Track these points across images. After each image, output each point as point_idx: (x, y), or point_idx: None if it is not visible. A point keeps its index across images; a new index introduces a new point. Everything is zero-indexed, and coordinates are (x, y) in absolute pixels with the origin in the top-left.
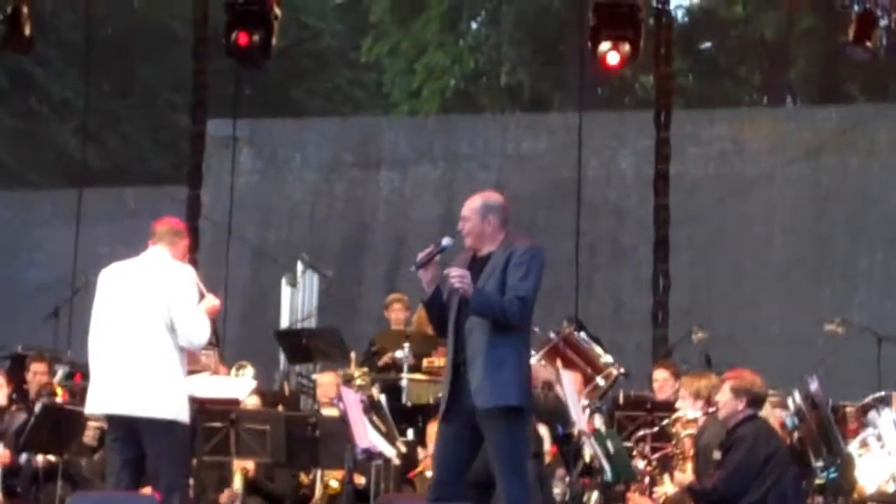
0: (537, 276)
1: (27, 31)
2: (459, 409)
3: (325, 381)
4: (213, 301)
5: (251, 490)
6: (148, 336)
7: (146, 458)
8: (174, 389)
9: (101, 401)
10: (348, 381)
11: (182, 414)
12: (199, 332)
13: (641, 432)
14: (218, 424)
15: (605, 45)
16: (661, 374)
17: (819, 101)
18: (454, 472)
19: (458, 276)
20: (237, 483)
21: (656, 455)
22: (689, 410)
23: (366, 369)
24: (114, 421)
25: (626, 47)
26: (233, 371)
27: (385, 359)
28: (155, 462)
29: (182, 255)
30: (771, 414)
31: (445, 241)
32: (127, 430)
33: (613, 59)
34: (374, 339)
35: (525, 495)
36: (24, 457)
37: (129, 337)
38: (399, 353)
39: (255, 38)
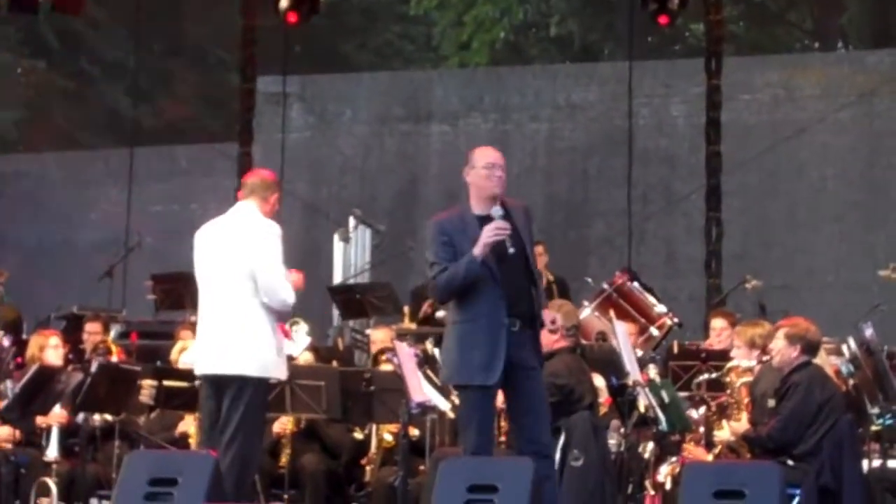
0: None
1: None
2: (508, 364)
3: (379, 336)
4: (294, 277)
5: (309, 435)
6: (236, 295)
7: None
8: (257, 346)
9: (198, 362)
10: (402, 335)
11: (268, 370)
12: (278, 291)
13: (701, 377)
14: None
15: (653, 6)
16: (718, 323)
17: (870, 45)
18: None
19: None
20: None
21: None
22: (743, 359)
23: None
24: (204, 381)
25: (675, 2)
26: (286, 326)
27: (423, 312)
28: (224, 419)
29: (272, 209)
30: (826, 361)
31: (498, 211)
32: (215, 389)
33: (664, 19)
34: (425, 291)
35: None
36: (81, 416)
37: (220, 298)
38: (441, 313)
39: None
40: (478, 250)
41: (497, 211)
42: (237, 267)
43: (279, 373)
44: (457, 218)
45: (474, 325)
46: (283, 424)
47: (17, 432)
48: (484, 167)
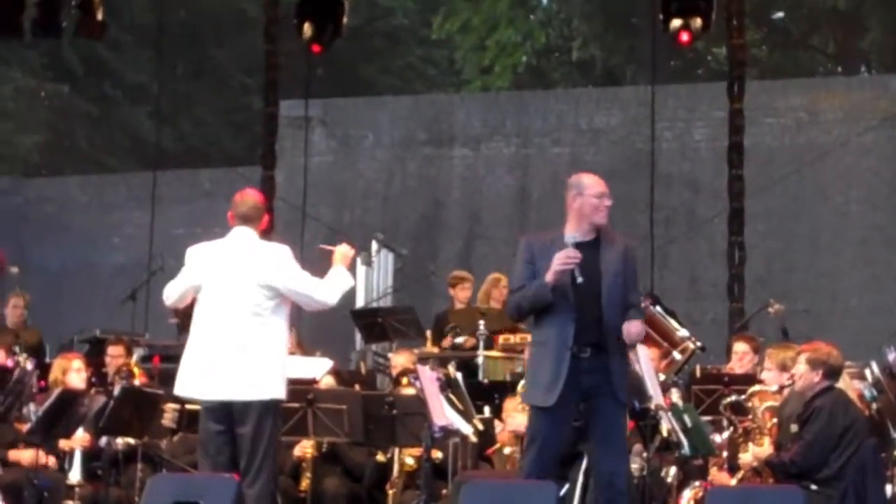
0: None
1: (100, 15)
2: (572, 395)
3: (400, 361)
4: (342, 249)
5: (331, 459)
6: (246, 320)
7: (239, 441)
8: (277, 368)
9: (201, 387)
10: (424, 359)
11: (283, 391)
12: (322, 293)
13: (727, 399)
14: (295, 405)
15: (676, 23)
16: (741, 347)
17: (894, 69)
18: (557, 457)
19: (634, 334)
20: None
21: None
22: (774, 382)
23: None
24: (211, 405)
25: (698, 23)
26: None
27: (445, 344)
28: (251, 446)
29: (263, 231)
30: (849, 385)
31: (571, 238)
32: (224, 414)
33: (685, 36)
34: (449, 317)
35: (627, 471)
36: (104, 440)
37: (229, 322)
38: (459, 339)
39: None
40: (549, 276)
41: (570, 238)
42: (251, 294)
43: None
44: (547, 240)
45: (543, 347)
46: (304, 448)
47: (50, 457)
48: (595, 196)
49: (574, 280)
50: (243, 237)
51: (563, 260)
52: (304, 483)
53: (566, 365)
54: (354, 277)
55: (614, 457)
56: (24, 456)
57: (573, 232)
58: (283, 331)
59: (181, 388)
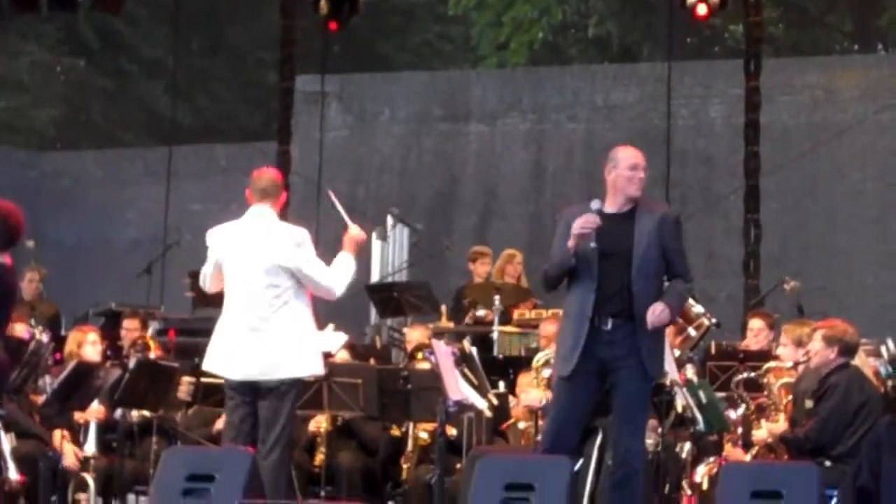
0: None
1: None
2: (590, 365)
3: (415, 335)
4: (353, 232)
5: (346, 433)
6: (273, 300)
7: (260, 412)
8: (304, 347)
9: (229, 366)
10: (439, 334)
11: (315, 366)
12: (332, 282)
13: (739, 377)
14: (310, 379)
15: None
16: (756, 324)
17: None
18: (575, 427)
19: (656, 320)
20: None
21: (753, 402)
22: (790, 358)
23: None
24: (242, 386)
25: None
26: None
27: (468, 317)
28: (270, 418)
29: (281, 206)
30: (865, 362)
31: (595, 204)
32: (250, 389)
33: (702, 9)
34: (465, 292)
35: (643, 454)
36: (119, 412)
37: (249, 301)
38: (480, 312)
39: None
40: (570, 242)
41: (595, 205)
42: (269, 271)
43: (318, 368)
44: (579, 210)
45: (567, 318)
46: (318, 423)
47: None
48: (629, 168)
49: (603, 249)
50: (261, 216)
51: (581, 224)
52: (319, 458)
53: (584, 335)
54: (370, 252)
55: (630, 433)
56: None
57: (609, 204)
58: (305, 309)
59: (209, 363)
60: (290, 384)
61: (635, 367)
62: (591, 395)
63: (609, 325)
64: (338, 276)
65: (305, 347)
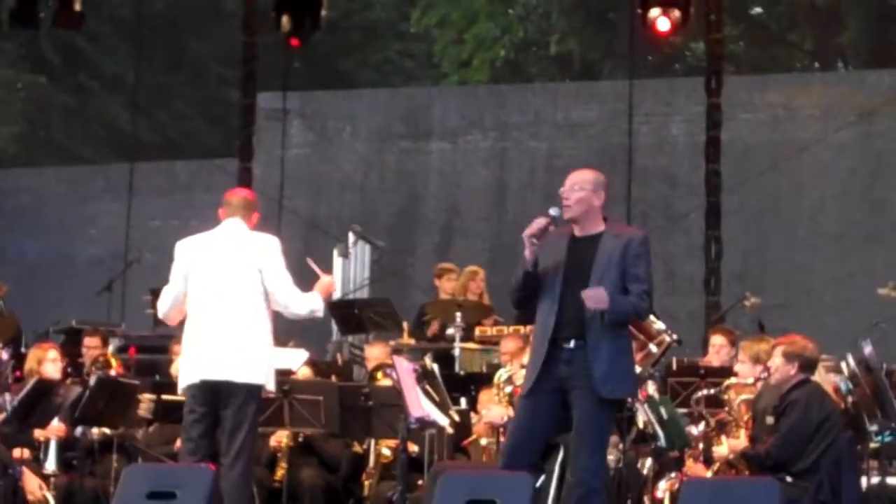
0: (651, 266)
1: (77, 6)
2: (551, 383)
3: (375, 353)
4: (326, 280)
5: (306, 451)
6: (243, 303)
7: (222, 422)
8: (265, 355)
9: (196, 371)
10: (399, 351)
11: (271, 381)
12: (293, 298)
13: (700, 393)
14: (272, 395)
15: (654, 11)
16: (718, 340)
17: (870, 65)
18: (533, 444)
19: (593, 297)
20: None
21: (713, 418)
22: (748, 375)
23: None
24: (199, 387)
25: (676, 13)
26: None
27: (431, 330)
28: (232, 427)
29: (254, 226)
30: (825, 379)
31: (553, 211)
32: (211, 395)
33: (664, 25)
34: (426, 309)
35: (604, 470)
36: (79, 430)
37: (226, 306)
38: (450, 330)
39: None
40: (526, 251)
41: (553, 211)
42: (243, 279)
43: (273, 385)
44: (556, 233)
45: (534, 338)
46: (279, 438)
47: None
48: (563, 188)
49: (568, 271)
50: (233, 227)
51: (530, 228)
52: (280, 473)
53: (543, 356)
54: (331, 269)
55: (587, 452)
56: None
57: (577, 229)
58: (269, 323)
59: (184, 382)
60: (251, 391)
61: (588, 388)
62: (552, 413)
63: (571, 346)
64: (305, 302)
65: (267, 359)
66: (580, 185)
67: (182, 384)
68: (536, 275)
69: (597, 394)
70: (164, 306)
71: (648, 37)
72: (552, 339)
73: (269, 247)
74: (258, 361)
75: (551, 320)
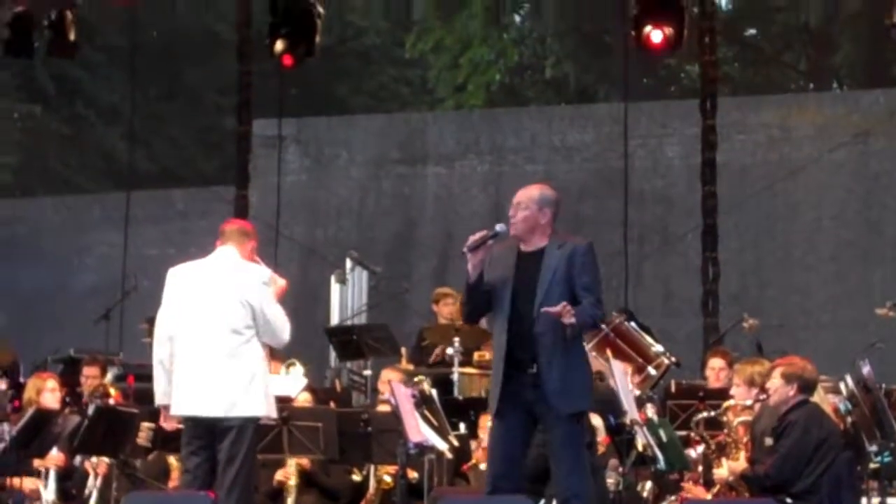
0: (599, 273)
1: (72, 36)
2: (516, 403)
3: (389, 377)
4: (280, 282)
5: (306, 484)
6: (231, 336)
7: (218, 454)
8: (261, 386)
9: (191, 403)
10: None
11: (269, 409)
12: (283, 328)
13: (699, 416)
14: (271, 422)
15: (648, 28)
16: (717, 363)
17: (865, 85)
18: (512, 465)
19: (568, 311)
20: (291, 468)
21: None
22: (742, 398)
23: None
24: (197, 422)
25: (669, 30)
26: (282, 369)
27: (435, 355)
28: (227, 460)
29: (249, 256)
30: (824, 399)
31: (499, 227)
32: (209, 429)
33: (657, 37)
34: (424, 334)
35: (589, 487)
36: (78, 459)
37: (213, 338)
38: (449, 350)
39: (299, 49)
40: (469, 265)
41: (499, 227)
42: (234, 309)
43: (273, 412)
44: (504, 247)
45: (494, 356)
46: (286, 473)
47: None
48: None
49: (517, 292)
50: (225, 256)
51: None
52: None
53: (501, 376)
54: (329, 295)
55: (566, 471)
56: None
57: (524, 244)
58: (262, 351)
59: (175, 408)
60: (245, 424)
61: (550, 408)
62: (523, 432)
63: (533, 370)
64: (287, 328)
65: (262, 388)
66: (525, 204)
67: (174, 411)
68: (483, 289)
69: (560, 412)
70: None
71: (642, 52)
72: (507, 358)
73: (259, 280)
74: (250, 394)
75: (503, 338)
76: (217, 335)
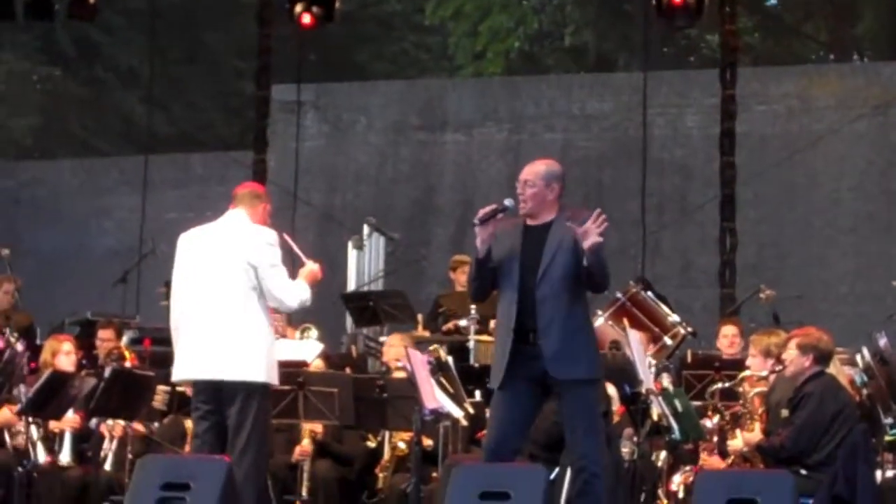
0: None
1: None
2: (522, 373)
3: (393, 343)
4: (312, 267)
5: (320, 453)
6: (233, 299)
7: (228, 420)
8: (262, 352)
9: (189, 367)
10: (417, 343)
11: (270, 376)
12: (286, 293)
13: (714, 386)
14: (286, 387)
15: None
16: (729, 330)
17: (886, 57)
18: (515, 436)
19: (584, 232)
20: (306, 442)
21: (728, 411)
22: (758, 368)
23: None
24: (200, 386)
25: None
26: (297, 333)
27: (448, 325)
28: (236, 425)
29: (261, 219)
30: (840, 371)
31: (508, 201)
32: (213, 394)
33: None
34: (441, 301)
35: (602, 452)
36: (94, 421)
37: (215, 301)
38: (463, 322)
39: (317, 10)
40: (478, 240)
41: (508, 201)
42: (238, 273)
43: (274, 379)
44: (510, 224)
45: (497, 331)
46: (303, 449)
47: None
48: (517, 184)
49: (527, 265)
50: (234, 218)
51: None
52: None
53: (509, 347)
54: (346, 261)
55: (582, 439)
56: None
57: (531, 218)
58: (266, 312)
59: (176, 373)
60: (251, 389)
61: (566, 380)
62: (530, 401)
63: (532, 337)
64: (294, 290)
65: (262, 353)
66: (532, 182)
67: (175, 377)
68: (491, 265)
69: (558, 377)
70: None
71: (663, 17)
72: (517, 330)
73: (263, 241)
74: (253, 359)
75: (513, 310)
76: (218, 299)
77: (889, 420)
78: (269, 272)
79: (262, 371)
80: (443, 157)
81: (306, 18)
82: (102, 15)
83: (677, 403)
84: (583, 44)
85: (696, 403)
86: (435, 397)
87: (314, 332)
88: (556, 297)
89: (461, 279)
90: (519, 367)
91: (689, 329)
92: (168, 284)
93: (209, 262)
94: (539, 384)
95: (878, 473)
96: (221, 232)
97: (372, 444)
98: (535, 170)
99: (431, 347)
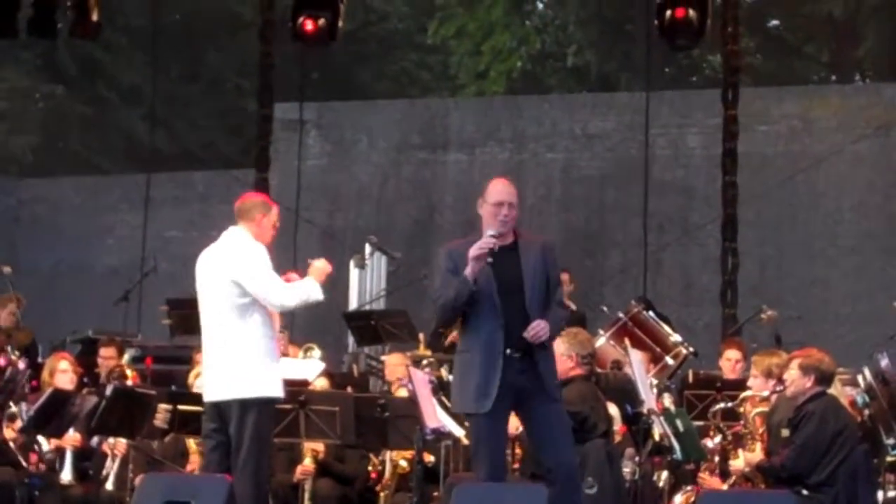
0: None
1: (94, 17)
2: (507, 393)
3: (393, 362)
4: (319, 264)
5: (321, 472)
6: (226, 319)
7: (231, 437)
8: (254, 367)
9: (204, 390)
10: (417, 362)
11: (268, 389)
12: (271, 292)
13: (716, 406)
14: (287, 406)
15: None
16: (732, 354)
17: (888, 78)
18: (504, 457)
19: (537, 333)
20: (308, 461)
21: (729, 431)
22: (760, 389)
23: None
24: (206, 407)
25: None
26: (300, 353)
27: (450, 338)
28: (236, 443)
29: (263, 230)
30: (841, 392)
31: (493, 232)
32: (216, 414)
33: (680, 11)
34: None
35: (574, 461)
36: (95, 440)
37: (212, 323)
38: None
39: (321, 21)
40: (467, 270)
41: (491, 231)
42: (225, 292)
43: (276, 391)
44: (465, 247)
45: (472, 354)
46: (305, 468)
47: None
48: (493, 204)
49: (507, 284)
50: (231, 236)
51: (479, 245)
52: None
53: (499, 369)
54: (347, 280)
55: (558, 450)
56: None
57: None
58: (261, 328)
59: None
60: (245, 406)
61: (545, 394)
62: (507, 420)
63: (518, 356)
64: (290, 292)
65: (258, 369)
66: (514, 204)
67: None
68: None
69: (552, 398)
70: None
71: (665, 38)
72: (503, 353)
73: (247, 254)
74: (244, 375)
75: (499, 336)
76: (214, 320)
77: (891, 441)
78: (251, 282)
79: (254, 386)
80: (444, 176)
81: (308, 25)
82: (104, 33)
83: (679, 423)
84: (585, 64)
85: (698, 423)
86: (436, 416)
87: (317, 352)
88: (542, 316)
89: None
90: (505, 389)
91: (691, 349)
92: (170, 303)
93: (206, 284)
94: (515, 404)
95: (880, 494)
96: (215, 253)
97: (374, 462)
98: (512, 190)
99: (424, 362)
